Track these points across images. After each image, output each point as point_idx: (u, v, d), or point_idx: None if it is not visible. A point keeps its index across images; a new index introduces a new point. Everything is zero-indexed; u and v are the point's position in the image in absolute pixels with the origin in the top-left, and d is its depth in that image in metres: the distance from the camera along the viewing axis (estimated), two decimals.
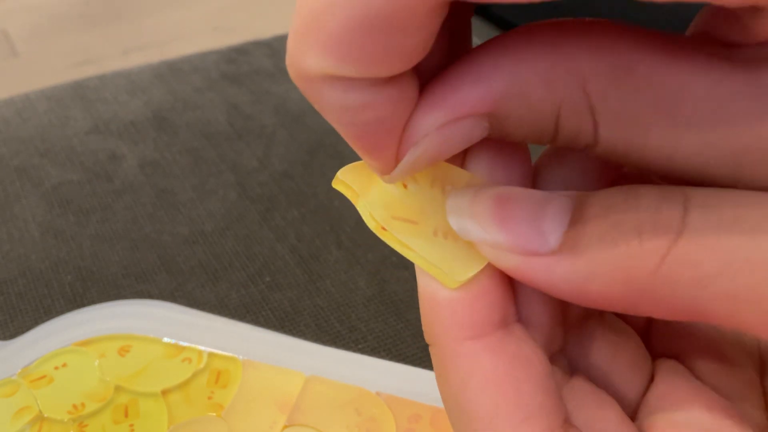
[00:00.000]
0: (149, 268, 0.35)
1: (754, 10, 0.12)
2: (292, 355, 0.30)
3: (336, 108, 0.12)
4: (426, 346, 0.15)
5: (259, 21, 1.37)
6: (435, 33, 0.12)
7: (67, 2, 1.45)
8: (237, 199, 0.39)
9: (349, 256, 0.35)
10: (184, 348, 0.30)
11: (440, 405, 0.28)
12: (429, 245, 0.14)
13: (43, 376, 0.29)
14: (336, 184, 0.15)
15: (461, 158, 0.15)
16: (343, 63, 0.11)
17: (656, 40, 0.13)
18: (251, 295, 0.33)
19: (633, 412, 0.16)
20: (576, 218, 0.13)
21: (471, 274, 0.14)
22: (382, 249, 0.35)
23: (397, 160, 0.14)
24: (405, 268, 0.34)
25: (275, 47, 0.52)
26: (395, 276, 0.34)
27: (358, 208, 0.15)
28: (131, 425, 0.27)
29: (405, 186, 0.15)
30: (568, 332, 0.16)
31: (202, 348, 0.30)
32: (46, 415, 0.28)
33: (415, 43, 0.12)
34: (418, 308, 0.15)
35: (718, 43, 0.13)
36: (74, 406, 0.28)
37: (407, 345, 0.31)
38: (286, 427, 0.27)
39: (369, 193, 0.15)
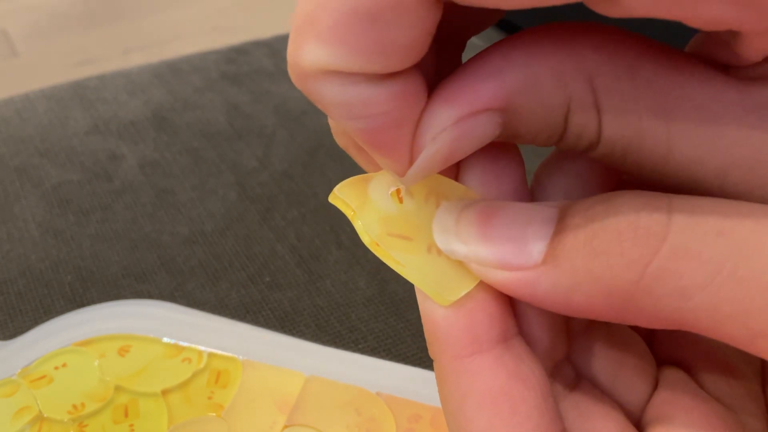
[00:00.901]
0: (149, 268, 0.35)
1: (736, 34, 0.12)
2: (291, 355, 0.30)
3: (336, 104, 0.12)
4: (426, 346, 0.15)
5: (259, 21, 1.37)
6: (431, 32, 0.12)
7: (67, 2, 1.45)
8: (237, 199, 0.39)
9: (349, 256, 0.35)
10: (184, 348, 0.30)
11: (440, 405, 0.28)
12: (423, 262, 0.14)
13: (43, 376, 0.29)
14: (333, 200, 0.15)
15: (455, 172, 0.15)
16: (337, 55, 0.12)
17: (660, 47, 0.13)
18: (251, 295, 0.33)
19: (637, 419, 0.16)
20: (559, 229, 0.13)
21: (463, 292, 0.14)
22: None
23: (413, 159, 0.14)
24: None
25: (275, 47, 0.52)
26: (395, 276, 0.34)
27: (354, 225, 0.15)
28: (131, 425, 0.27)
29: (401, 201, 0.15)
30: (574, 339, 0.16)
31: (202, 348, 0.30)
32: (46, 415, 0.28)
33: (410, 39, 0.12)
34: (418, 308, 0.15)
35: (714, 61, 0.13)
36: (74, 406, 0.28)
37: (407, 345, 0.31)
38: (286, 427, 0.27)
39: (365, 208, 0.15)
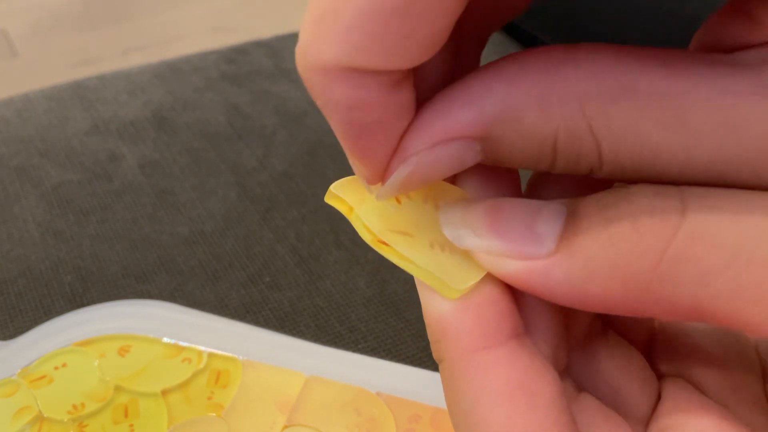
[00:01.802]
0: (149, 268, 0.35)
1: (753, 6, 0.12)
2: (291, 355, 0.30)
3: (343, 105, 0.12)
4: (426, 346, 0.15)
5: (259, 21, 1.37)
6: (453, 21, 0.12)
7: (67, 2, 1.45)
8: (237, 199, 0.39)
9: (349, 256, 0.35)
10: (184, 348, 0.30)
11: (440, 405, 0.28)
12: (426, 257, 0.14)
13: (43, 376, 0.29)
14: (329, 199, 0.15)
15: (452, 177, 0.15)
16: (361, 52, 0.11)
17: (655, 55, 0.13)
18: (251, 295, 0.33)
19: (642, 430, 0.15)
20: (571, 219, 0.13)
21: (471, 283, 0.14)
22: None
23: (386, 173, 0.13)
24: None
25: (275, 47, 0.52)
26: (395, 276, 0.34)
27: (352, 222, 0.14)
28: (131, 425, 0.27)
29: (398, 201, 0.15)
30: (572, 351, 0.16)
31: (202, 348, 0.30)
32: (46, 415, 0.28)
33: (434, 31, 0.11)
34: (418, 308, 0.14)
35: (719, 51, 0.13)
36: (74, 406, 0.28)
37: (407, 345, 0.31)
38: (286, 427, 0.27)
39: (364, 205, 0.14)
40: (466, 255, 0.14)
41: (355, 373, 0.29)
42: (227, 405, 0.28)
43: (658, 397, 0.16)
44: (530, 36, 0.47)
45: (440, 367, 0.14)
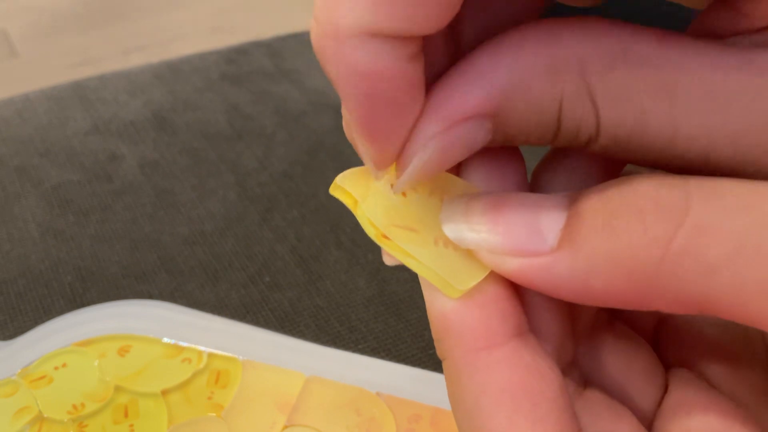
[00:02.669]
0: (149, 268, 0.35)
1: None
2: (291, 355, 0.30)
3: (358, 75, 0.12)
4: (426, 346, 0.15)
5: (259, 21, 1.37)
6: None
7: (67, 2, 1.45)
8: (237, 200, 0.39)
9: (349, 256, 0.35)
10: (183, 348, 0.30)
11: (440, 405, 0.28)
12: (430, 254, 0.14)
13: (43, 377, 0.29)
14: (333, 191, 0.14)
15: (457, 170, 0.15)
16: (381, 15, 0.11)
17: (651, 30, 0.13)
18: (251, 295, 0.33)
19: (648, 422, 0.15)
20: (573, 213, 0.13)
21: (473, 282, 0.14)
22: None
23: (400, 161, 0.13)
24: (405, 268, 0.34)
25: (275, 47, 0.52)
26: (395, 276, 0.34)
27: (357, 215, 0.14)
28: (131, 425, 0.27)
29: (404, 194, 0.14)
30: (579, 344, 0.16)
31: (202, 348, 0.30)
32: (45, 416, 0.28)
33: None
34: (418, 308, 0.14)
35: (712, 35, 0.13)
36: (74, 407, 0.28)
37: (407, 345, 0.31)
38: (286, 427, 0.27)
39: (367, 200, 0.14)
40: (470, 252, 0.14)
41: (355, 373, 0.29)
42: (227, 405, 0.28)
43: (665, 389, 0.16)
44: None
45: (444, 366, 0.14)
